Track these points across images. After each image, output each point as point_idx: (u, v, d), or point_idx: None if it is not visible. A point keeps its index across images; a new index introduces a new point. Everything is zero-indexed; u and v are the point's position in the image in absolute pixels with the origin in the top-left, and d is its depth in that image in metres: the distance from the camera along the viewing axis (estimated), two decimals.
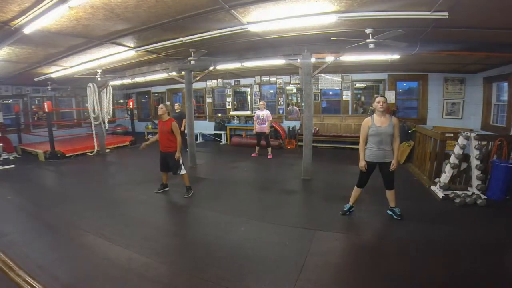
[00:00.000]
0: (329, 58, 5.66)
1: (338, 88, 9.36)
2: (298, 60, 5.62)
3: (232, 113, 10.92)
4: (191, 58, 5.72)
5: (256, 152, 8.07)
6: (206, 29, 4.35)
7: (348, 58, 5.89)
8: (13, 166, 7.46)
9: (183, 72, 6.98)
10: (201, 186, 5.39)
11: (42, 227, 3.78)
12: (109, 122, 9.30)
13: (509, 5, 3.15)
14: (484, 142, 4.56)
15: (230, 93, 10.96)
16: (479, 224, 3.64)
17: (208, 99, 11.47)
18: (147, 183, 5.61)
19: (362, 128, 3.64)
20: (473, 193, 4.36)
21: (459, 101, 8.13)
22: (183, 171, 4.76)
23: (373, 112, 3.75)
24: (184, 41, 4.76)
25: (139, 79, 9.68)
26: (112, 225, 3.77)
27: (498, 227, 3.52)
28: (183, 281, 2.58)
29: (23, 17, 3.43)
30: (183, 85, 7.42)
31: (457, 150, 4.56)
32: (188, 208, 4.41)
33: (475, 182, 4.43)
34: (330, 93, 10.08)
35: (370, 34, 4.29)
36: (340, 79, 9.19)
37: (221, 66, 7.11)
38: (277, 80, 10.01)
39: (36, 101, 10.91)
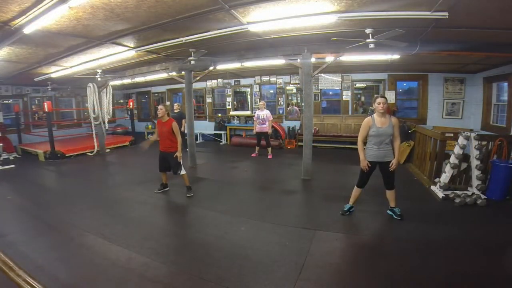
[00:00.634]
0: (329, 58, 5.66)
1: (338, 88, 9.36)
2: (298, 60, 5.62)
3: (232, 113, 10.92)
4: (191, 58, 5.72)
5: (256, 152, 8.06)
6: (206, 29, 4.35)
7: (348, 58, 5.89)
8: (13, 166, 7.47)
9: (183, 72, 6.97)
10: (201, 186, 5.39)
11: (42, 227, 3.78)
12: (109, 122, 9.30)
13: (509, 5, 3.15)
14: (484, 142, 4.55)
15: (230, 93, 10.96)
16: (479, 224, 3.64)
17: (208, 99, 11.47)
18: (147, 183, 5.61)
19: (363, 128, 3.63)
20: (473, 193, 4.36)
21: (459, 101, 8.13)
22: (183, 171, 4.76)
23: (373, 112, 3.75)
24: (184, 41, 4.75)
25: (139, 79, 9.68)
26: (112, 225, 3.77)
27: (498, 227, 3.52)
28: (183, 281, 2.58)
29: (23, 17, 3.43)
30: (183, 85, 7.42)
31: (457, 150, 4.55)
32: (188, 208, 4.41)
33: (475, 182, 4.43)
34: (330, 93, 10.09)
35: (370, 34, 4.29)
36: (340, 79, 9.19)
37: (221, 66, 7.11)
38: (277, 80, 10.01)
39: (36, 101, 10.91)
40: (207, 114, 11.59)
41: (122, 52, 5.61)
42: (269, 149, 7.91)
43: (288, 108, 10.11)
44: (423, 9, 3.41)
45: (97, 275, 2.67)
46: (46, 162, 8.08)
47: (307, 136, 5.72)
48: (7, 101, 10.12)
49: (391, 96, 8.62)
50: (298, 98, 9.88)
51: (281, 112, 10.21)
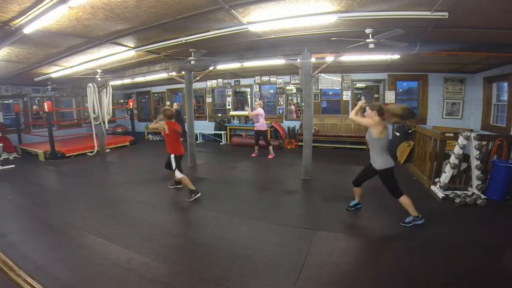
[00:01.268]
0: (329, 58, 5.66)
1: (338, 88, 9.36)
2: (298, 60, 5.62)
3: (232, 113, 10.92)
4: (191, 58, 5.72)
5: (256, 151, 8.07)
6: (206, 29, 4.35)
7: (348, 58, 5.89)
8: (13, 166, 7.46)
9: (183, 72, 6.97)
10: (201, 186, 5.38)
11: (42, 227, 3.79)
12: (109, 122, 9.30)
13: (509, 6, 3.15)
14: (484, 142, 4.55)
15: (230, 93, 10.96)
16: (479, 224, 3.64)
17: (208, 99, 11.47)
18: (147, 183, 5.61)
19: (369, 119, 3.49)
20: (473, 193, 4.36)
21: (459, 101, 8.13)
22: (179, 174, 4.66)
23: None
24: (184, 41, 4.75)
25: (139, 79, 9.68)
26: (112, 225, 3.77)
27: (498, 227, 3.52)
28: (183, 281, 2.58)
29: (23, 17, 3.43)
30: (183, 85, 7.42)
31: (457, 150, 4.56)
32: (188, 208, 4.41)
33: (475, 182, 4.43)
34: (330, 93, 10.09)
35: (370, 34, 4.29)
36: (340, 79, 9.19)
37: (221, 66, 7.11)
38: (277, 80, 10.00)
39: (36, 101, 10.90)
40: (207, 114, 11.59)
41: (122, 52, 5.61)
42: (270, 148, 7.85)
43: (288, 108, 10.13)
44: (423, 9, 3.41)
45: (97, 275, 2.67)
46: (46, 162, 8.08)
47: (307, 136, 5.72)
48: (7, 101, 10.11)
49: (391, 96, 8.64)
50: (298, 98, 9.88)
51: (281, 112, 10.22)
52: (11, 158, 8.23)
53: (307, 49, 5.39)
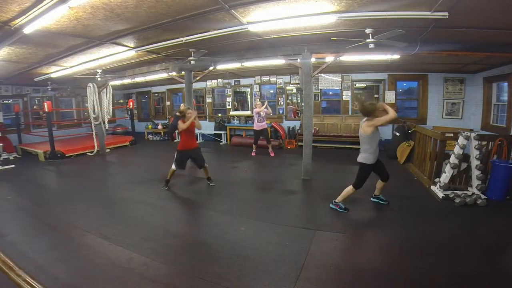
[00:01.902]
0: (329, 58, 5.66)
1: (338, 88, 9.36)
2: (298, 60, 5.62)
3: (232, 113, 10.92)
4: (191, 58, 5.71)
5: (254, 150, 8.13)
6: (206, 29, 4.35)
7: (348, 58, 5.89)
8: (13, 166, 7.46)
9: (183, 72, 6.97)
10: (201, 186, 5.39)
11: (42, 227, 3.78)
12: (109, 122, 9.29)
13: (509, 6, 3.15)
14: (484, 142, 4.56)
15: (230, 93, 10.96)
16: (479, 224, 3.64)
17: (208, 99, 11.47)
18: (147, 183, 5.61)
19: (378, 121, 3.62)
20: (473, 193, 4.36)
21: (459, 101, 8.13)
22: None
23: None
24: (184, 41, 4.76)
25: (139, 79, 9.68)
26: (112, 225, 3.77)
27: (498, 227, 3.52)
28: (183, 281, 2.57)
29: (23, 17, 3.43)
30: (183, 85, 7.42)
31: (457, 150, 4.56)
32: (188, 208, 4.42)
33: (475, 182, 4.43)
34: (330, 93, 10.08)
35: (370, 34, 4.29)
36: (340, 79, 9.19)
37: (221, 66, 7.11)
38: (277, 80, 10.01)
39: (36, 101, 10.90)
40: (207, 114, 11.59)
41: (122, 52, 5.61)
42: (270, 146, 7.98)
43: (288, 107, 10.13)
44: (423, 9, 3.41)
45: (97, 275, 2.67)
46: (46, 162, 8.08)
47: (307, 136, 5.72)
48: (7, 101, 10.11)
49: (391, 96, 8.63)
50: (298, 98, 9.88)
51: (281, 112, 10.21)
52: (11, 158, 8.24)
53: (307, 49, 5.39)
